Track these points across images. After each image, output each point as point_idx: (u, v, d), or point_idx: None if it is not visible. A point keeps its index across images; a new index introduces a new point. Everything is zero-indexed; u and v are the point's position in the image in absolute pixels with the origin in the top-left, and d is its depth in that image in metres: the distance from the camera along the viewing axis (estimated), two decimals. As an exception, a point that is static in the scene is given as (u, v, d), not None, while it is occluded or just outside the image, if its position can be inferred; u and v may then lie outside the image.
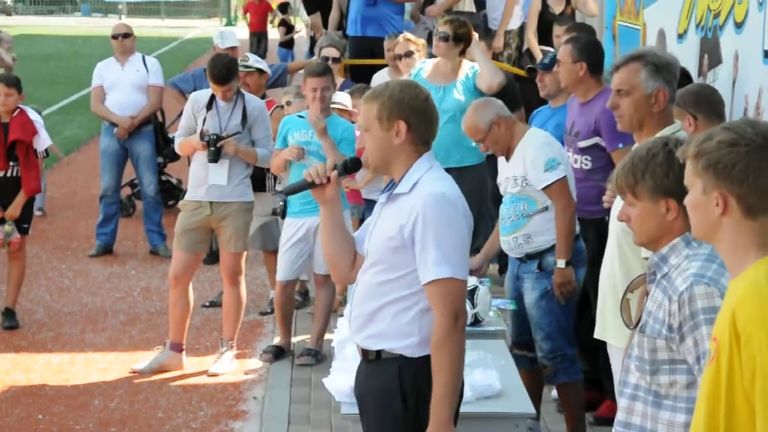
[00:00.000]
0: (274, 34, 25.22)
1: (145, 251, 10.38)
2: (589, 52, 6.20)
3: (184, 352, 7.40)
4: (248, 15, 25.82)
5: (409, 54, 8.61)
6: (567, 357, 5.75)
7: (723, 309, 2.59)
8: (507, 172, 5.84)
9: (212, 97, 7.32)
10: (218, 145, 7.18)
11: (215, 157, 7.18)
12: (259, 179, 8.33)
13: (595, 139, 6.10)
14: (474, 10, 11.30)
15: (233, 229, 7.27)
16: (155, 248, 10.26)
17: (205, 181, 7.26)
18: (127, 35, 10.35)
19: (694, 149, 2.66)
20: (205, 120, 7.27)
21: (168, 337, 7.41)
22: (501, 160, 5.91)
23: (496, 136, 5.77)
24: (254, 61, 8.65)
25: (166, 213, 10.60)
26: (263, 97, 8.54)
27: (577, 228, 5.80)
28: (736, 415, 2.47)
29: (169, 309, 7.38)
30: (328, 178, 3.91)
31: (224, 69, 7.24)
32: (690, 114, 4.98)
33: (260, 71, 8.63)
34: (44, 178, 11.64)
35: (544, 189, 5.67)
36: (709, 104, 5.07)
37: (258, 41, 24.67)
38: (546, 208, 5.71)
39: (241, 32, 26.31)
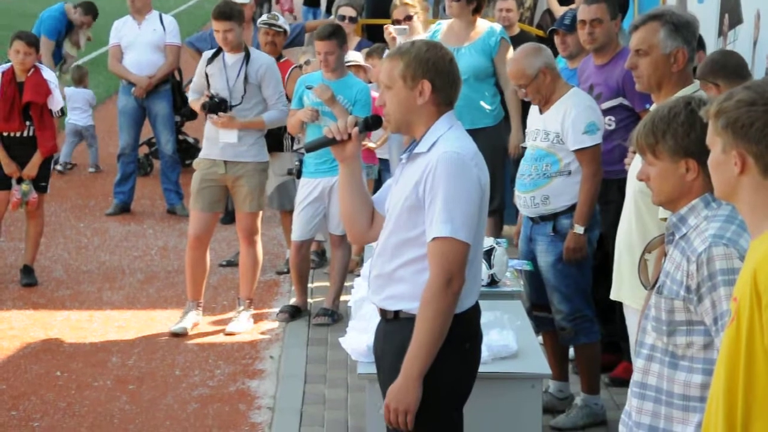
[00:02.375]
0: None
1: (163, 210, 10.40)
2: (620, 6, 6.18)
3: (201, 311, 7.42)
4: None
5: (408, 18, 8.52)
6: (586, 318, 5.73)
7: (743, 269, 2.58)
8: (538, 124, 5.74)
9: (216, 53, 7.27)
10: (217, 101, 7.14)
11: (212, 110, 7.14)
12: (277, 139, 8.32)
13: (619, 100, 6.06)
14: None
15: (249, 189, 7.26)
16: (172, 207, 10.27)
17: (218, 140, 7.25)
18: None
19: (715, 108, 2.65)
20: (208, 78, 7.22)
21: (187, 296, 7.42)
22: (534, 109, 5.82)
23: (540, 84, 5.65)
24: (283, 21, 8.58)
25: (183, 172, 10.60)
26: (280, 57, 8.50)
27: None
28: (756, 374, 2.46)
29: (186, 268, 7.39)
30: (349, 135, 3.88)
31: (226, 6, 7.20)
32: (711, 83, 4.91)
33: (285, 32, 8.56)
34: (95, 141, 11.78)
35: (577, 151, 5.59)
36: (724, 68, 5.02)
37: (260, 5, 24.41)
38: (569, 173, 5.64)
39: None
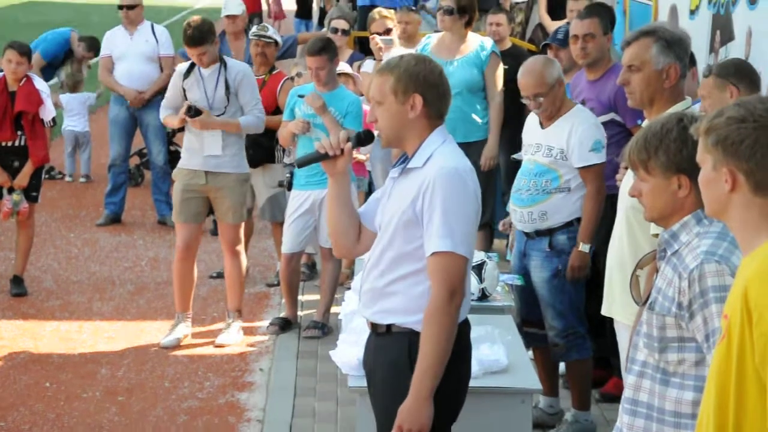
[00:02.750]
0: (289, 5, 25.02)
1: (153, 221, 10.39)
2: (612, 23, 6.19)
3: (190, 322, 7.41)
4: None
5: (387, 31, 8.53)
6: (579, 334, 5.73)
7: (734, 287, 2.58)
8: (539, 139, 5.70)
9: (192, 65, 7.23)
10: (196, 109, 7.07)
11: (196, 113, 7.07)
12: (269, 151, 8.31)
13: (610, 115, 6.07)
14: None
15: (231, 201, 7.24)
16: (163, 218, 10.26)
17: (200, 150, 7.21)
18: (132, 6, 10.31)
19: (705, 125, 2.65)
20: (186, 93, 7.15)
21: (175, 308, 7.40)
22: (533, 123, 5.78)
23: (556, 95, 5.61)
24: (273, 32, 8.57)
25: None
26: (272, 69, 8.50)
27: None
28: (747, 392, 2.46)
29: (174, 280, 7.37)
30: (342, 150, 3.88)
31: (195, 31, 7.11)
32: (732, 84, 4.87)
33: (276, 43, 8.56)
34: (88, 148, 11.75)
35: (582, 168, 5.57)
36: (750, 75, 4.98)
37: (250, 22, 24.31)
38: (568, 189, 5.62)
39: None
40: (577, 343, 5.72)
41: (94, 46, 12.53)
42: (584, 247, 5.60)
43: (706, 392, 2.60)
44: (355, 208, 4.03)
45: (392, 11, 8.97)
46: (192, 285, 7.35)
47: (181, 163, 7.36)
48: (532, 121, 5.82)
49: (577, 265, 5.62)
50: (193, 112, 7.09)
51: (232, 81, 7.21)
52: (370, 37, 8.38)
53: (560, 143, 5.61)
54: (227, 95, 7.19)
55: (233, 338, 7.33)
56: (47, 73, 12.19)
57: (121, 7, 10.31)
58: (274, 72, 8.49)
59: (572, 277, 5.63)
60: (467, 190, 3.74)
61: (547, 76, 5.59)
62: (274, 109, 8.26)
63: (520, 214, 5.73)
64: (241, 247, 7.41)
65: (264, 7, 24.08)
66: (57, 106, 10.73)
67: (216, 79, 7.20)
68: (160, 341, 7.29)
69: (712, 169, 2.63)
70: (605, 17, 6.34)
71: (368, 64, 8.63)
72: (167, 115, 7.35)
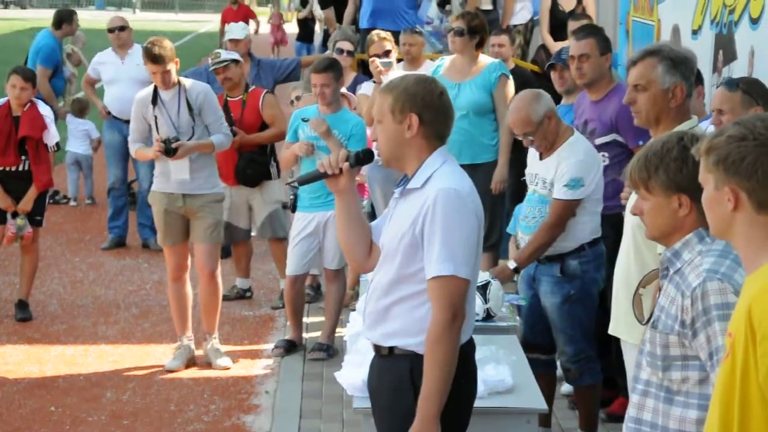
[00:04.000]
0: (290, 28, 25.13)
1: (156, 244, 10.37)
2: (609, 44, 6.18)
3: (193, 343, 7.39)
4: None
5: (386, 53, 8.55)
6: (591, 358, 5.71)
7: (739, 305, 2.58)
8: (537, 170, 5.70)
9: (154, 93, 7.17)
10: (173, 146, 7.02)
11: (171, 152, 7.03)
12: (264, 167, 8.34)
13: (612, 136, 6.07)
14: (491, 7, 11.33)
15: (209, 222, 7.21)
16: (146, 241, 10.27)
17: (170, 176, 7.19)
18: (123, 28, 10.37)
19: (705, 146, 2.66)
20: (156, 121, 7.11)
21: (176, 331, 7.39)
22: (534, 153, 5.77)
23: (546, 130, 5.56)
24: (226, 54, 8.49)
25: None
26: (247, 87, 8.44)
27: (599, 231, 5.73)
28: (751, 410, 2.46)
29: (171, 303, 7.37)
30: (341, 169, 3.90)
31: (160, 48, 7.04)
32: (758, 104, 4.81)
33: (235, 61, 8.42)
34: (91, 172, 11.76)
35: (553, 199, 5.56)
36: None
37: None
38: (573, 214, 5.62)
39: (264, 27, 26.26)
40: (588, 367, 5.70)
41: (66, 17, 12.37)
42: (511, 264, 5.65)
43: (711, 410, 2.60)
44: (366, 223, 4.04)
45: (389, 33, 8.99)
46: (188, 305, 7.33)
47: (155, 187, 7.31)
48: (534, 152, 5.81)
49: (496, 273, 5.60)
50: (171, 146, 7.02)
51: (194, 101, 7.16)
52: (370, 60, 8.41)
53: (550, 175, 5.61)
54: (191, 116, 7.16)
55: (225, 360, 7.31)
56: (58, 81, 12.14)
57: (111, 30, 10.36)
58: (249, 90, 8.48)
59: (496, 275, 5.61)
60: (467, 210, 3.74)
61: (533, 114, 5.55)
62: (261, 125, 8.29)
63: (527, 242, 5.73)
64: (218, 271, 7.36)
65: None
66: (60, 117, 10.86)
67: (177, 102, 7.16)
68: (165, 364, 7.29)
69: (714, 189, 2.64)
70: (603, 37, 6.34)
71: (366, 87, 8.65)
72: (138, 148, 7.29)
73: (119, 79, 10.22)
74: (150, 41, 7.18)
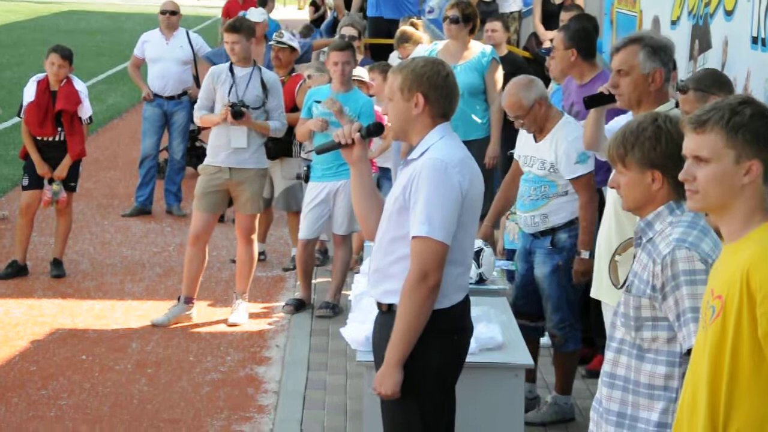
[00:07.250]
0: (301, 15, 25.03)
1: (180, 210, 10.40)
2: (580, 38, 6.11)
3: (194, 306, 7.38)
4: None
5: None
6: (574, 326, 5.72)
7: (726, 269, 2.59)
8: (532, 152, 5.67)
9: (230, 68, 7.27)
10: (241, 109, 7.10)
11: (239, 115, 7.09)
12: (286, 145, 8.36)
13: None
14: (488, -3, 11.32)
15: (250, 194, 7.26)
16: (170, 207, 10.30)
17: (225, 147, 7.21)
18: (174, 13, 10.39)
19: (724, 122, 2.61)
20: (231, 88, 7.18)
21: (182, 291, 7.39)
22: (527, 137, 5.74)
23: (536, 115, 5.56)
24: (288, 38, 8.61)
25: (189, 177, 10.58)
26: (292, 71, 8.55)
27: None
28: (741, 365, 2.53)
29: (184, 265, 7.38)
30: (353, 140, 3.94)
31: (237, 21, 7.31)
32: (714, 95, 4.83)
33: (292, 48, 8.59)
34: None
35: (572, 180, 5.53)
36: (728, 85, 4.93)
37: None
38: (566, 193, 5.59)
39: (280, 12, 26.13)
40: (572, 334, 5.72)
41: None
42: (585, 254, 5.52)
43: (694, 365, 2.64)
44: (378, 194, 4.08)
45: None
46: (200, 270, 7.31)
47: (207, 160, 7.37)
48: (524, 133, 5.78)
49: (580, 271, 5.55)
50: (238, 109, 7.09)
51: (269, 82, 7.30)
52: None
53: (550, 157, 5.58)
54: (265, 95, 7.23)
55: (242, 318, 7.35)
56: None
57: (164, 12, 10.36)
58: (293, 74, 8.54)
59: (577, 281, 5.60)
60: (450, 180, 3.77)
61: (524, 99, 5.55)
62: (292, 107, 8.32)
63: (524, 219, 5.74)
64: (255, 236, 7.43)
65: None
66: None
67: (248, 80, 7.24)
68: (151, 319, 7.28)
69: (733, 163, 2.61)
70: (572, 35, 6.15)
71: (359, 70, 8.64)
72: (203, 114, 7.35)
73: (163, 57, 10.23)
74: (237, 17, 7.40)
